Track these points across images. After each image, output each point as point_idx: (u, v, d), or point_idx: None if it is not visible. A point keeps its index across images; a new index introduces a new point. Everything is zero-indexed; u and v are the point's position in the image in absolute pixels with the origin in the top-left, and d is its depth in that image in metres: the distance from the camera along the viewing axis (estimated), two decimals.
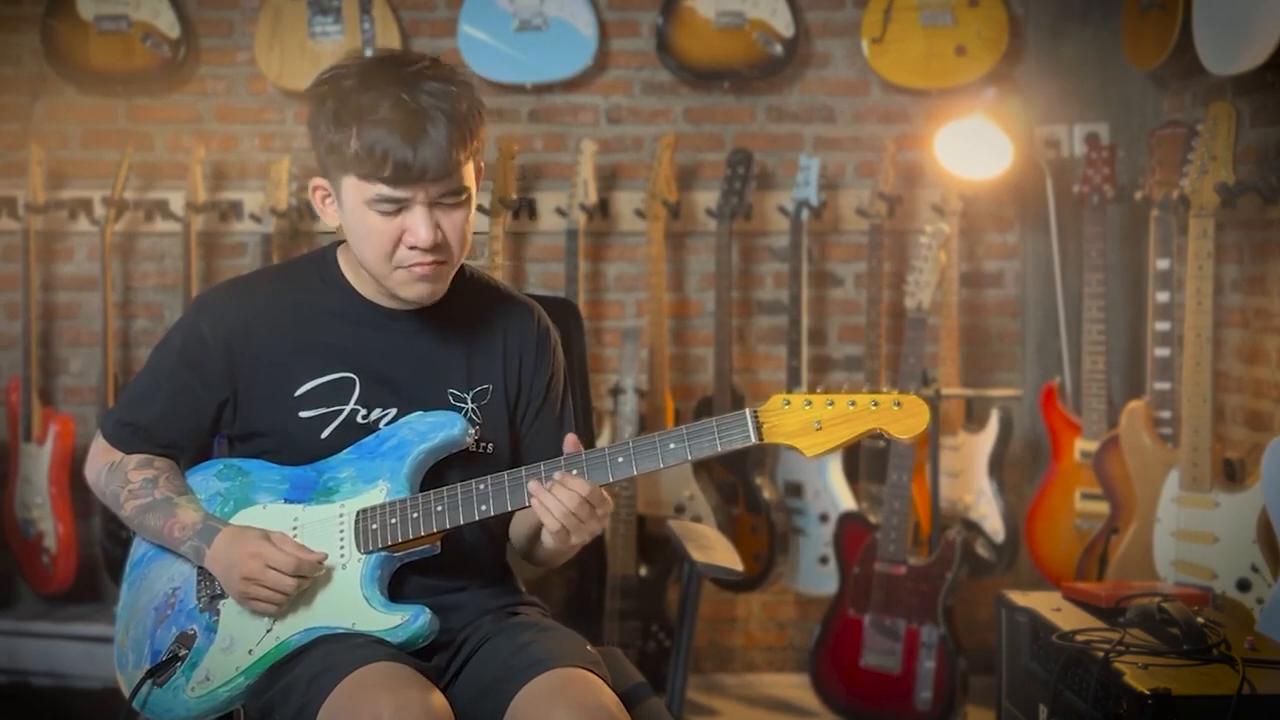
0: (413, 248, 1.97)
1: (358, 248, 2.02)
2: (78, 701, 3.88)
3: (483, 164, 2.06)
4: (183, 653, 2.01)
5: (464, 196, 1.99)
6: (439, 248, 1.98)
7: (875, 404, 1.90)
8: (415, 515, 2.00)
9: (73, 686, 3.94)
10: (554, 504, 1.93)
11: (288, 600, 1.98)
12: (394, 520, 2.00)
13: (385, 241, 1.97)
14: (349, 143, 1.93)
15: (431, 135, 1.92)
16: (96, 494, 2.18)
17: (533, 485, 1.95)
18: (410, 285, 2.00)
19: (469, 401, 2.11)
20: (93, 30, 4.10)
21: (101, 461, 2.15)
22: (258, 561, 1.96)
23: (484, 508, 1.98)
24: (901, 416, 1.90)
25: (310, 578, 1.99)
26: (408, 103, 1.93)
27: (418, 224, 1.95)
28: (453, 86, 1.96)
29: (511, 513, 2.01)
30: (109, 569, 4.06)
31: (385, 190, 1.94)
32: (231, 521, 2.05)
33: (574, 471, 1.95)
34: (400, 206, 1.95)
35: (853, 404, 1.91)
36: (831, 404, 1.91)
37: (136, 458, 2.12)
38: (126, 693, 2.06)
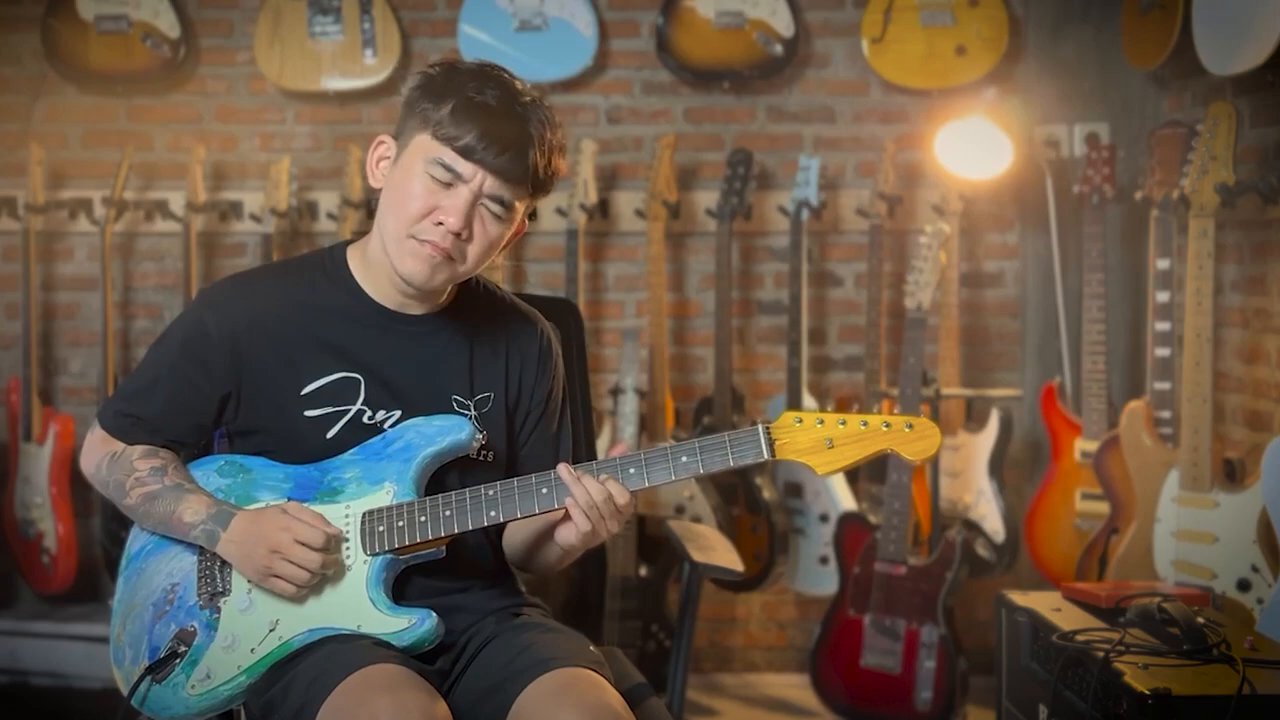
0: (438, 224, 1.97)
1: (388, 209, 2.01)
2: (78, 701, 3.88)
3: (527, 220, 2.08)
4: (182, 649, 2.00)
5: (508, 216, 2.01)
6: (460, 241, 1.98)
7: (887, 425, 1.92)
8: (423, 519, 2.00)
9: (73, 686, 3.94)
10: (582, 495, 1.94)
11: (312, 580, 1.97)
12: (401, 523, 2.00)
13: (417, 206, 1.97)
14: (443, 106, 1.96)
15: (521, 140, 1.97)
16: (96, 485, 2.15)
17: (563, 472, 1.95)
18: (411, 259, 2.00)
19: (472, 408, 2.11)
20: (93, 30, 4.10)
21: (101, 452, 2.13)
22: (287, 535, 1.95)
23: (493, 513, 1.98)
24: (913, 439, 1.92)
25: (335, 558, 1.98)
26: (517, 109, 1.98)
27: (456, 205, 1.97)
28: (553, 123, 2.01)
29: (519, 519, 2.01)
30: (109, 569, 4.05)
31: (450, 156, 1.96)
32: (242, 508, 2.04)
33: (603, 476, 1.96)
34: (452, 182, 1.96)
35: (865, 424, 1.93)
36: (844, 424, 1.93)
37: (141, 448, 2.10)
38: (123, 688, 2.05)
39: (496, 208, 1.99)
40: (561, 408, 2.22)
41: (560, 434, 2.21)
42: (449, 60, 2.07)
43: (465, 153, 1.95)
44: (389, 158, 2.05)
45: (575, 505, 1.95)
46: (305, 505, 2.01)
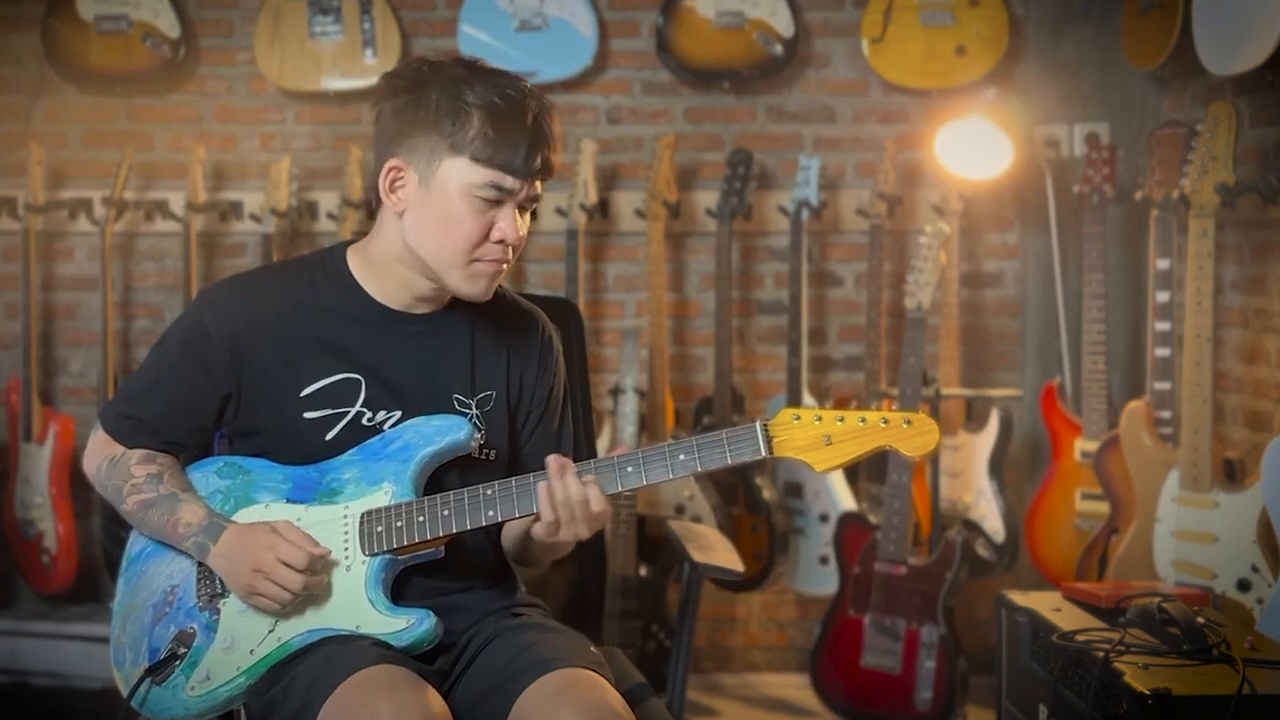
0: (499, 242, 1.99)
1: (430, 234, 2.00)
2: (78, 701, 3.88)
3: None
4: (182, 651, 2.00)
5: (535, 204, 2.05)
6: (514, 248, 2.01)
7: (885, 422, 1.92)
8: (421, 519, 2.00)
9: (73, 686, 3.94)
10: (559, 490, 1.93)
11: (295, 600, 1.97)
12: (399, 523, 2.00)
13: (474, 232, 1.98)
14: (470, 126, 1.96)
15: (550, 138, 1.99)
16: (96, 487, 2.16)
17: (551, 461, 1.95)
18: (477, 280, 2.01)
19: (473, 407, 2.11)
20: (93, 30, 4.10)
21: (102, 454, 2.13)
22: (270, 554, 1.95)
23: (490, 513, 1.98)
24: (911, 435, 1.91)
25: (320, 578, 1.98)
26: (531, 104, 1.99)
27: (510, 220, 1.99)
28: (551, 106, 2.03)
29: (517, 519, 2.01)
30: (109, 569, 4.05)
31: (499, 178, 1.97)
32: (233, 519, 2.05)
33: (587, 477, 1.95)
34: (501, 199, 1.98)
35: (863, 421, 1.92)
36: (842, 420, 1.93)
37: (139, 452, 2.10)
38: (123, 690, 2.05)
39: (533, 204, 2.04)
40: (563, 405, 2.22)
41: (561, 431, 2.21)
42: (425, 63, 2.03)
43: (515, 172, 1.97)
44: (404, 180, 2.02)
45: (545, 497, 1.94)
46: (293, 525, 2.01)
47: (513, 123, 1.96)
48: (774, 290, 4.24)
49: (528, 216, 2.05)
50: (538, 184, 2.01)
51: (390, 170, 2.03)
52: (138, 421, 2.11)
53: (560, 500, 1.94)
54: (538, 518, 1.97)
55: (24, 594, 4.21)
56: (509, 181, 1.97)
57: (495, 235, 1.99)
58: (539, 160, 1.98)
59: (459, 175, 1.97)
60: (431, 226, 2.00)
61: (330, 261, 2.13)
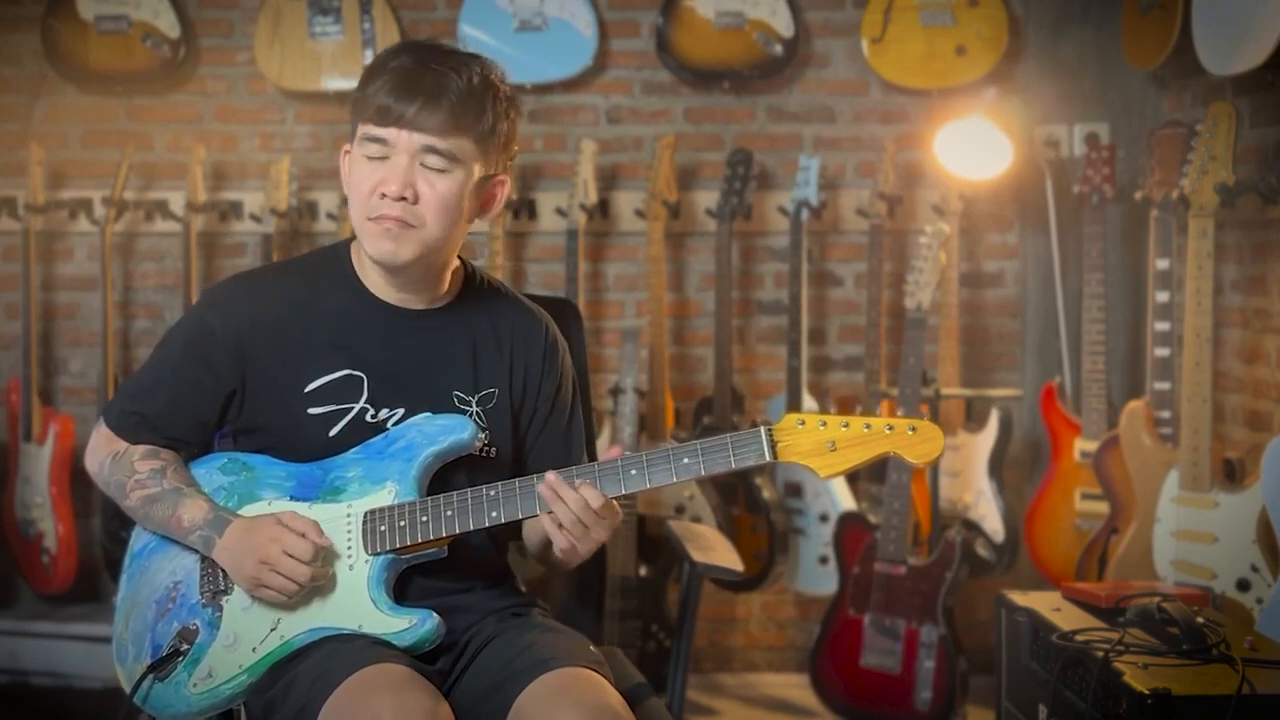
0: (382, 196, 1.98)
1: (350, 205, 2.05)
2: (78, 701, 3.88)
3: (502, 163, 2.07)
4: (184, 648, 2.00)
5: (453, 169, 1.99)
6: (407, 205, 1.98)
7: (890, 428, 1.91)
8: (424, 519, 2.00)
9: (73, 686, 3.94)
10: (563, 512, 1.93)
11: (300, 592, 1.97)
12: (402, 523, 2.00)
13: (364, 188, 2.00)
14: (367, 89, 2.00)
15: (434, 89, 1.96)
16: (99, 483, 2.16)
17: (543, 489, 1.95)
18: (373, 240, 2.01)
19: (474, 404, 2.11)
20: (93, 30, 4.10)
21: (104, 451, 2.13)
22: (276, 546, 1.95)
23: (494, 514, 1.98)
24: (916, 442, 1.91)
25: (325, 570, 1.98)
26: (428, 62, 1.99)
27: (392, 171, 1.98)
28: (484, 70, 2.01)
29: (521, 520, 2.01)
30: (109, 569, 4.05)
31: (371, 129, 1.98)
32: (238, 514, 2.04)
33: (586, 480, 1.95)
34: (385, 152, 1.98)
35: (868, 427, 1.92)
36: (846, 426, 1.92)
37: (142, 448, 2.10)
38: (125, 685, 2.05)
39: (435, 159, 1.99)
40: (573, 401, 2.22)
41: (571, 427, 2.21)
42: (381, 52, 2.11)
43: (382, 117, 1.97)
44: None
45: (553, 525, 1.95)
46: (298, 514, 2.01)
47: (395, 76, 1.98)
48: (774, 290, 4.24)
49: (446, 183, 1.98)
50: (441, 138, 1.96)
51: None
52: (141, 417, 2.11)
53: (568, 522, 1.94)
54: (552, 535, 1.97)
55: (24, 594, 4.21)
56: (383, 131, 1.97)
57: (380, 189, 1.98)
58: (416, 108, 1.95)
59: (357, 139, 2.02)
60: (349, 196, 2.05)
61: (334, 259, 2.15)
